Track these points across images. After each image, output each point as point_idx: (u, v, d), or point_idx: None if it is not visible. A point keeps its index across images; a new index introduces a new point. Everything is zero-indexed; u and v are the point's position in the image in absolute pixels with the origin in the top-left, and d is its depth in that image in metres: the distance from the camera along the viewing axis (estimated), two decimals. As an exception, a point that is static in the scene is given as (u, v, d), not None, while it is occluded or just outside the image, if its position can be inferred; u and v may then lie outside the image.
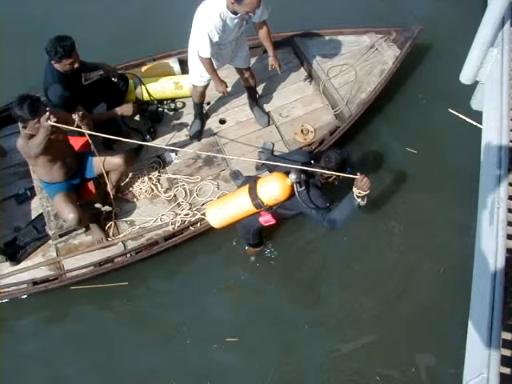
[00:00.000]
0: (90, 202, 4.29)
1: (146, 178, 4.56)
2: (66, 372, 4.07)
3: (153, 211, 4.46)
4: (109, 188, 4.30)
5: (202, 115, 4.79)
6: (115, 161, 4.15)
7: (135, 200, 4.51)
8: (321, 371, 4.10)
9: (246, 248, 4.44)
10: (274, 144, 4.70)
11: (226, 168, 4.64)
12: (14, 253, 4.24)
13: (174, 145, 4.71)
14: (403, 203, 4.71)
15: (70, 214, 3.99)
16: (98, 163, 4.15)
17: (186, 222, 4.34)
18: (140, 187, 4.54)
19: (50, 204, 4.21)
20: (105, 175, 4.15)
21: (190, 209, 4.43)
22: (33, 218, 4.41)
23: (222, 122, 4.89)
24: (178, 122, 4.86)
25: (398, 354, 4.18)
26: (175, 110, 4.88)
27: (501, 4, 3.57)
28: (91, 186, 4.29)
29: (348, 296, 4.40)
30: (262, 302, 4.37)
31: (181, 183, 4.56)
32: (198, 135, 4.76)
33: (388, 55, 4.82)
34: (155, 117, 4.79)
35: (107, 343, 4.20)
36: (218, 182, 4.57)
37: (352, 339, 4.25)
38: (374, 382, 4.07)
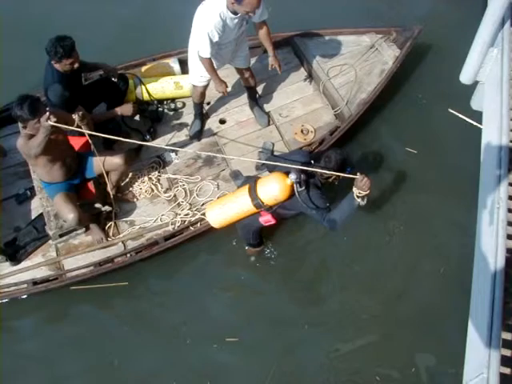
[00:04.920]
0: (90, 202, 4.30)
1: (145, 178, 4.55)
2: (65, 372, 4.07)
3: (153, 211, 4.45)
4: (109, 188, 4.30)
5: (201, 115, 4.79)
6: (115, 161, 4.15)
7: (135, 200, 4.50)
8: (321, 371, 4.10)
9: (246, 248, 4.44)
10: (273, 144, 4.70)
11: (226, 168, 4.64)
12: (14, 253, 4.23)
13: (174, 145, 4.71)
14: (403, 203, 4.71)
15: (69, 214, 3.99)
16: (98, 163, 4.14)
17: (186, 222, 4.34)
18: (140, 187, 4.53)
19: (50, 204, 4.20)
20: (105, 175, 4.15)
21: (189, 209, 4.42)
22: (33, 217, 4.40)
23: (222, 122, 4.89)
24: (178, 122, 4.86)
25: (397, 354, 4.18)
26: (175, 110, 4.88)
27: (501, 4, 3.58)
28: (91, 186, 4.29)
29: (348, 296, 4.40)
30: (261, 302, 4.36)
31: (181, 183, 4.55)
32: (198, 135, 4.77)
33: (388, 55, 4.81)
34: (155, 117, 4.79)
35: (107, 343, 4.20)
36: (218, 182, 4.57)
37: (352, 339, 4.25)
38: (373, 382, 4.07)
